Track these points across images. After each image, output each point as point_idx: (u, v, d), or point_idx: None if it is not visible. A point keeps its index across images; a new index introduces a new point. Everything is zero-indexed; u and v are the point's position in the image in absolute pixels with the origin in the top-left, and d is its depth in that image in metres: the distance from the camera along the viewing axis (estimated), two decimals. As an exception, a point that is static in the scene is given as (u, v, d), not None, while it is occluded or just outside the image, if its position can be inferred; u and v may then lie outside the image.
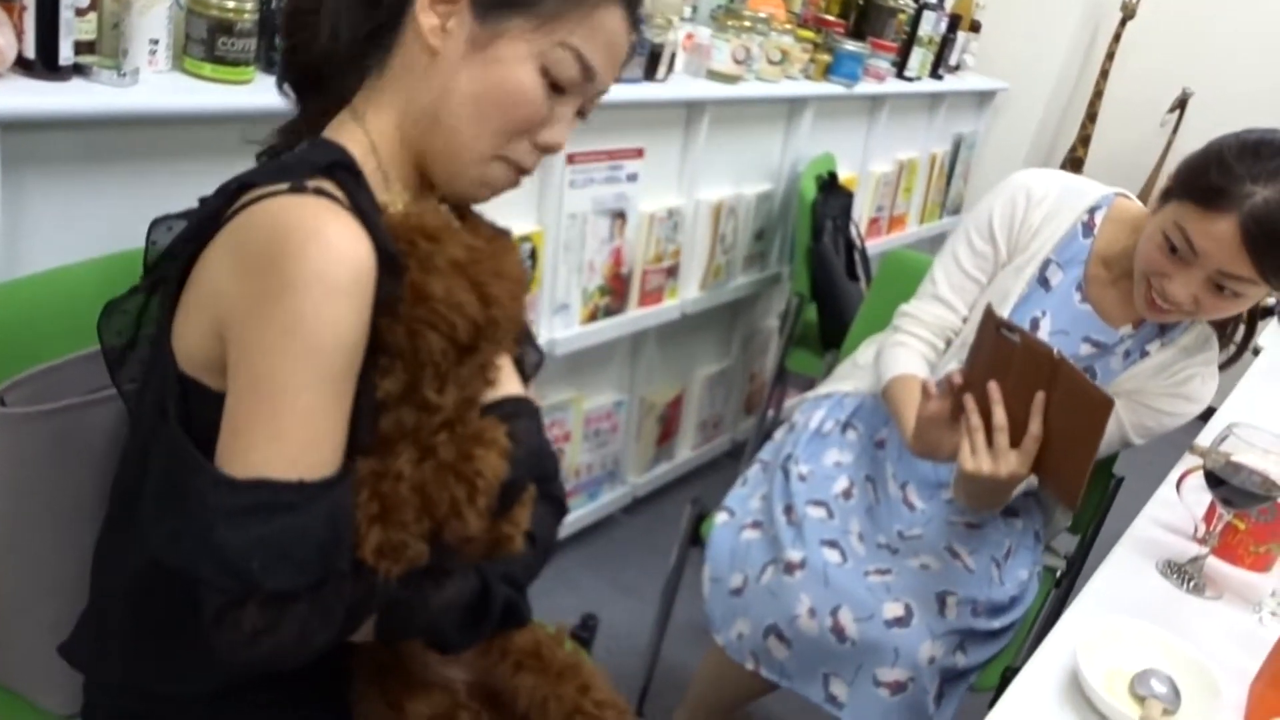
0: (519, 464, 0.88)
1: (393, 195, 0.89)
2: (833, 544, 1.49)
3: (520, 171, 0.93)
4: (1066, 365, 1.20)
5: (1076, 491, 1.22)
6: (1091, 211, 1.53)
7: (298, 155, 0.88)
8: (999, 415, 1.25)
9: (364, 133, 0.89)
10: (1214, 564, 1.37)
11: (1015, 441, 1.25)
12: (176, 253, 0.86)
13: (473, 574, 0.88)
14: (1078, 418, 1.20)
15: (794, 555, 1.45)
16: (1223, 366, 1.53)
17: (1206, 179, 1.30)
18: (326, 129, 0.91)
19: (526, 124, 0.89)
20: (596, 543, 2.48)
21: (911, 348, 1.58)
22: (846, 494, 1.59)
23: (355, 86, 0.91)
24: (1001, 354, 1.25)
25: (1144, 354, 1.52)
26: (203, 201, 0.87)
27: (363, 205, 0.83)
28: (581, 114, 0.95)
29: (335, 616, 0.79)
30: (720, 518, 1.60)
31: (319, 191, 0.80)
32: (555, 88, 0.89)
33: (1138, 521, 1.45)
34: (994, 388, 1.26)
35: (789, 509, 1.54)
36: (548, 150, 0.93)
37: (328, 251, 0.76)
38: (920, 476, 1.59)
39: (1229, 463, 1.27)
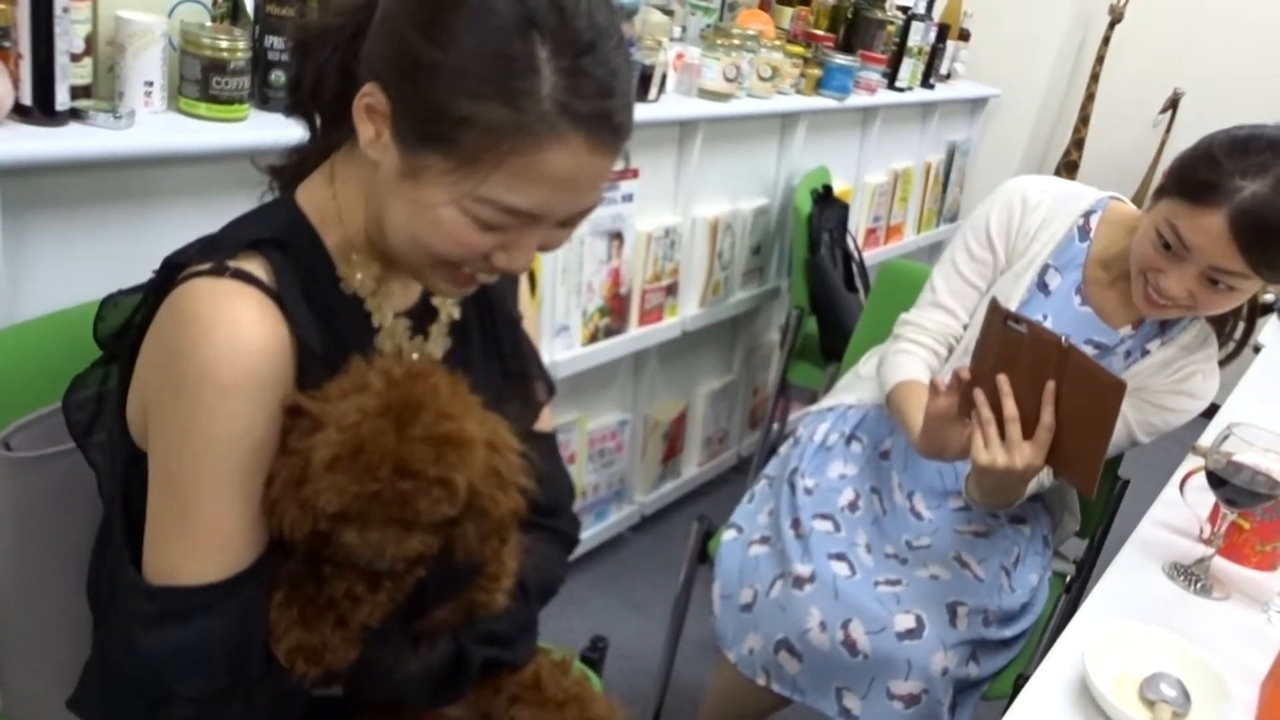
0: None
1: (355, 266, 0.88)
2: (840, 557, 1.49)
3: (479, 281, 0.87)
4: (1076, 352, 1.20)
5: (1093, 478, 1.21)
6: (1087, 215, 1.54)
7: (236, 224, 0.87)
8: (1010, 407, 1.25)
9: (333, 197, 0.87)
10: (1220, 564, 1.37)
11: (1028, 432, 1.25)
12: (127, 328, 0.87)
13: (446, 639, 0.88)
14: (1090, 404, 1.19)
15: (802, 569, 1.46)
16: (1223, 363, 1.53)
17: (1196, 175, 1.31)
18: (305, 181, 0.90)
19: (462, 259, 0.82)
20: (605, 563, 2.48)
21: (914, 355, 1.58)
22: (852, 506, 1.59)
23: (341, 139, 0.89)
24: (1009, 346, 1.25)
25: (1145, 353, 1.52)
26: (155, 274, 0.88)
27: (287, 287, 0.82)
28: (567, 225, 0.85)
29: (258, 712, 0.81)
30: (728, 535, 1.60)
31: (238, 273, 0.79)
32: (492, 227, 0.80)
33: (1142, 524, 1.45)
34: (1003, 380, 1.25)
35: (796, 523, 1.55)
36: (506, 274, 0.86)
37: (218, 349, 0.76)
38: (927, 485, 1.59)
39: (1230, 463, 1.27)
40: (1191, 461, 1.55)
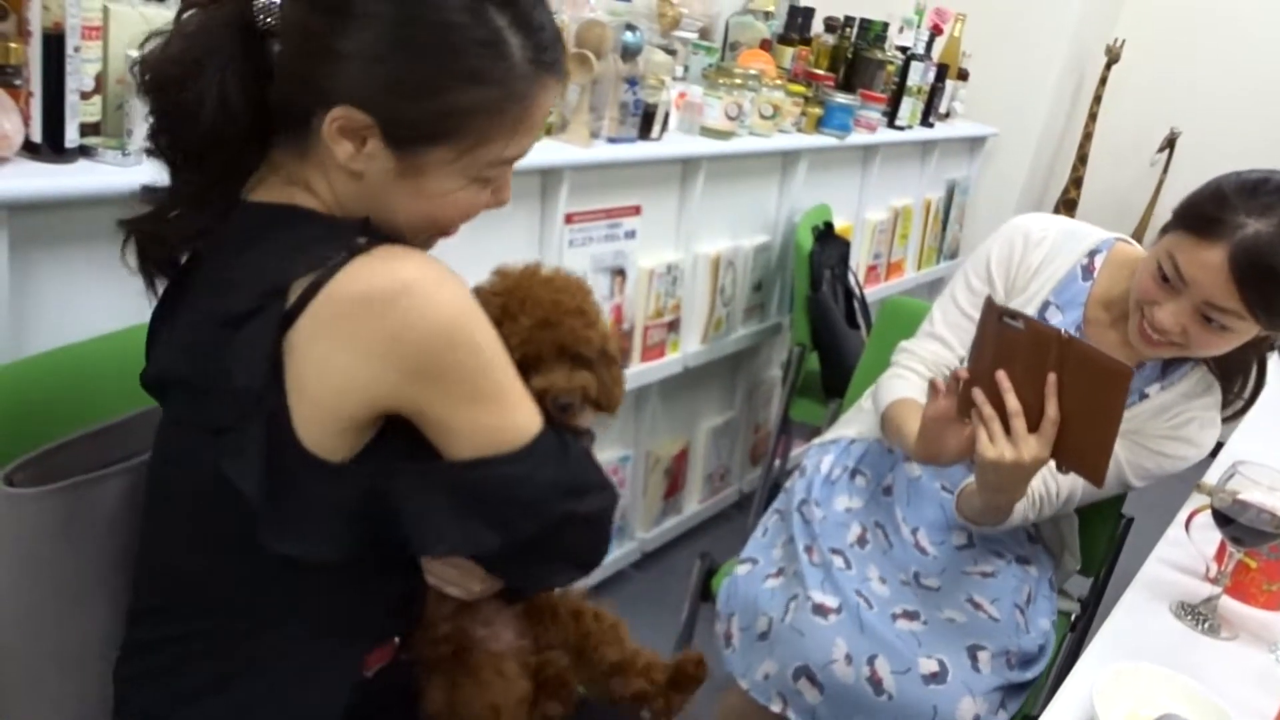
0: None
1: None
2: (856, 592, 1.48)
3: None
4: (1077, 343, 1.20)
5: (1102, 468, 1.21)
6: (1091, 255, 1.54)
7: (308, 232, 0.86)
8: (1012, 402, 1.24)
9: (313, 196, 0.88)
10: (1228, 604, 1.36)
11: (1031, 427, 1.24)
12: (252, 375, 0.81)
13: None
14: (1094, 393, 1.19)
15: (829, 600, 1.44)
16: (1228, 419, 1.52)
17: (1203, 210, 1.32)
18: (255, 194, 0.89)
19: (465, 222, 0.92)
20: (606, 599, 2.45)
21: (908, 379, 1.59)
22: (861, 540, 1.57)
23: (250, 159, 0.89)
24: (1006, 343, 1.25)
25: (1144, 396, 1.52)
26: (216, 315, 0.83)
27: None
28: None
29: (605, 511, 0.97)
30: (743, 568, 1.58)
31: (373, 242, 0.82)
32: (491, 180, 0.90)
33: (1148, 563, 1.44)
34: (1003, 376, 1.25)
35: (810, 549, 1.54)
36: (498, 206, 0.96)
37: (445, 291, 0.81)
38: (930, 520, 1.58)
39: (1236, 501, 1.27)
40: (1197, 499, 1.55)
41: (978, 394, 1.27)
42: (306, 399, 0.82)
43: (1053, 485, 1.49)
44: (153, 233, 0.92)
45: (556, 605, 1.12)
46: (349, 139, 0.83)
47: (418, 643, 1.04)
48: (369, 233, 0.85)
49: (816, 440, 1.79)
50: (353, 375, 0.81)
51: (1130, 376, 1.16)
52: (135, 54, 1.26)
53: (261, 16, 0.84)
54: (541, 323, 0.95)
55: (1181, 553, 1.46)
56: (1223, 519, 1.29)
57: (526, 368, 0.93)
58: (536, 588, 1.08)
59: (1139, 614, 1.31)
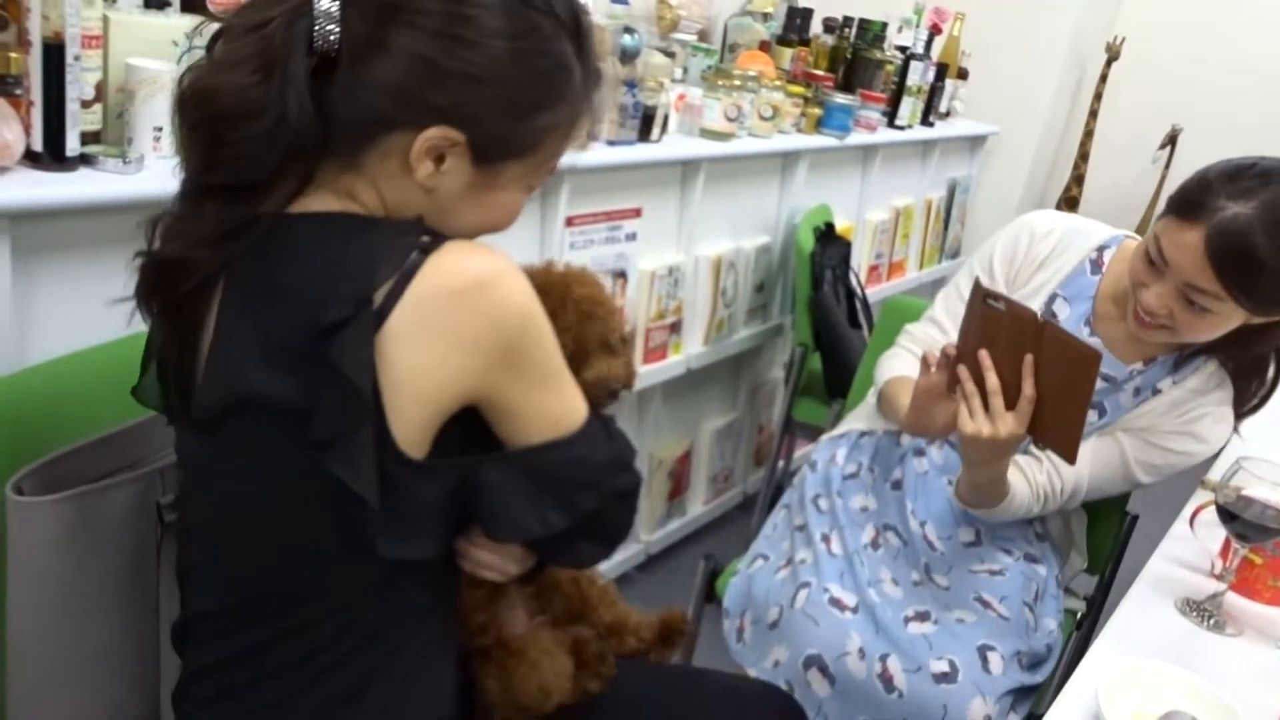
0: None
1: None
2: (871, 593, 1.48)
3: None
4: (1051, 326, 1.26)
5: (1074, 445, 1.26)
6: (1100, 250, 1.55)
7: (374, 236, 0.85)
8: (992, 380, 1.31)
9: (359, 204, 0.88)
10: (1233, 600, 1.36)
11: (1010, 404, 1.30)
12: (364, 381, 0.80)
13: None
14: (1068, 375, 1.24)
15: (846, 597, 1.45)
16: (1242, 415, 1.52)
17: (1190, 194, 1.34)
18: (298, 207, 0.87)
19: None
20: (611, 603, 2.46)
21: (905, 359, 1.64)
22: (874, 543, 1.58)
23: (294, 178, 0.86)
24: (989, 323, 1.31)
25: (1155, 391, 1.52)
26: (300, 327, 0.82)
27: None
28: None
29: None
30: (756, 565, 1.59)
31: (437, 240, 0.84)
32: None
33: (1153, 560, 1.44)
34: (984, 355, 1.31)
35: (827, 539, 1.55)
36: None
37: (520, 280, 0.86)
38: (937, 514, 1.59)
39: (1240, 497, 1.27)
40: (1201, 496, 1.54)
41: (962, 371, 1.34)
42: (404, 398, 0.82)
43: (1058, 481, 1.49)
44: (169, 262, 0.88)
45: (557, 578, 1.16)
46: (429, 156, 0.85)
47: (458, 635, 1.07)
48: (427, 231, 0.87)
49: (826, 435, 1.79)
50: (450, 368, 0.83)
51: (1099, 361, 1.20)
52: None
53: (321, 38, 0.82)
54: (583, 316, 1.03)
55: (1186, 549, 1.46)
56: (1227, 515, 1.29)
57: (573, 360, 0.98)
58: (577, 565, 1.13)
59: (1144, 611, 1.31)
